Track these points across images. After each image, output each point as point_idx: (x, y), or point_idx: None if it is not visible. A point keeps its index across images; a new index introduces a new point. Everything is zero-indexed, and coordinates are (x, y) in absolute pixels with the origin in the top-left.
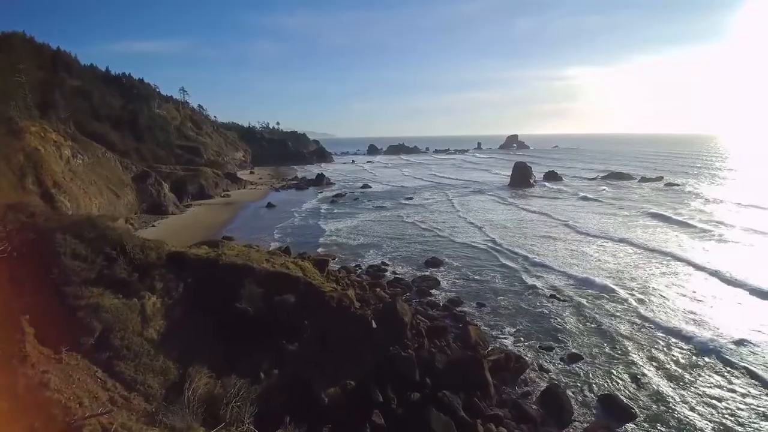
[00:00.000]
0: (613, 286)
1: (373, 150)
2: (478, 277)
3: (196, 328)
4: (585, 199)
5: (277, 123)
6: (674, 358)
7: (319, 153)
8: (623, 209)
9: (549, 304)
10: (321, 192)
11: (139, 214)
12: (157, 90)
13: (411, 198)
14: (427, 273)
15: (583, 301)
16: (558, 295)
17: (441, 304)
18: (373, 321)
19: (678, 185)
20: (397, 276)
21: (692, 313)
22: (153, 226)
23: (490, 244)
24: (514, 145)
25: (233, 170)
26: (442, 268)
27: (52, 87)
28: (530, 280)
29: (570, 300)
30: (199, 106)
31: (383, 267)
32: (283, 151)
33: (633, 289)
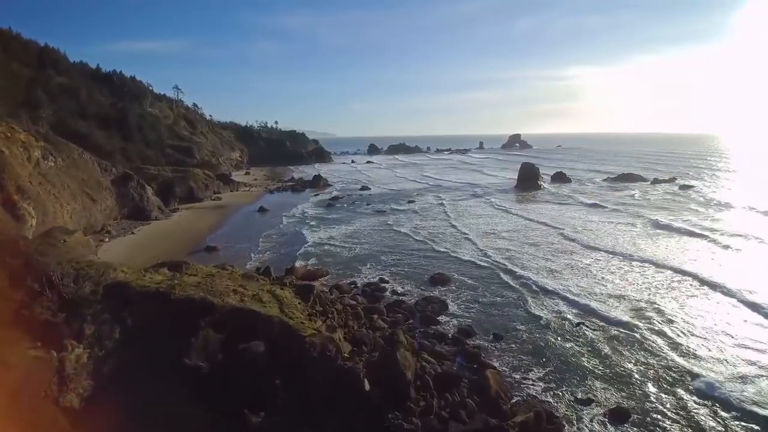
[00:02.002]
0: (646, 322)
1: (373, 150)
2: (491, 301)
3: (132, 391)
4: (597, 206)
5: (275, 122)
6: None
7: (318, 153)
8: (641, 217)
9: (578, 340)
10: (317, 195)
11: (120, 220)
12: (150, 88)
13: (413, 201)
14: (432, 294)
15: (614, 337)
16: (586, 329)
17: (450, 336)
18: (366, 381)
19: (693, 187)
20: (398, 297)
21: (741, 365)
22: (132, 233)
23: (502, 262)
24: (517, 144)
25: (228, 171)
26: (452, 286)
27: (35, 84)
28: (551, 308)
29: (600, 334)
30: (194, 104)
31: (382, 285)
32: (281, 150)
33: (668, 326)
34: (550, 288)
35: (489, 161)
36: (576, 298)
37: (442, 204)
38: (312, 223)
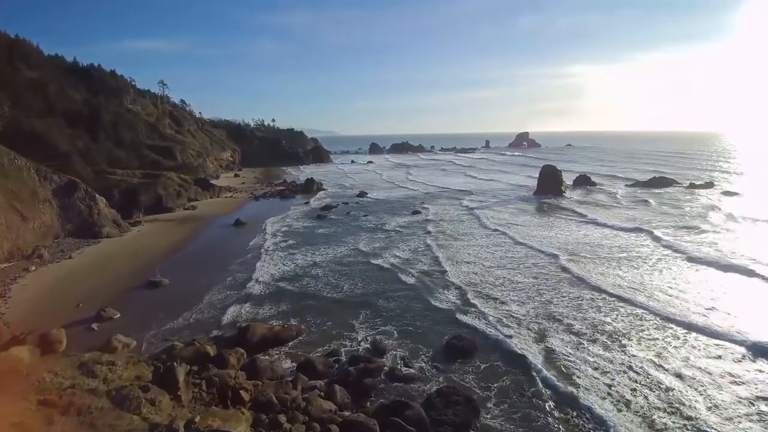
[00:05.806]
0: None
1: (375, 149)
2: (541, 399)
3: None
4: (643, 230)
5: (273, 120)
6: None
7: (316, 153)
8: (710, 248)
9: None
10: (308, 202)
11: (62, 239)
12: (133, 83)
13: (419, 213)
14: (452, 378)
15: None
16: None
17: None
18: None
19: (738, 194)
20: (400, 383)
21: None
22: (69, 257)
23: (546, 324)
24: (524, 143)
25: (214, 173)
26: (478, 362)
27: None
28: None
29: None
30: (182, 101)
31: (375, 360)
32: (277, 150)
33: None
34: (626, 387)
35: (499, 162)
36: (676, 405)
37: (448, 217)
38: (293, 242)
